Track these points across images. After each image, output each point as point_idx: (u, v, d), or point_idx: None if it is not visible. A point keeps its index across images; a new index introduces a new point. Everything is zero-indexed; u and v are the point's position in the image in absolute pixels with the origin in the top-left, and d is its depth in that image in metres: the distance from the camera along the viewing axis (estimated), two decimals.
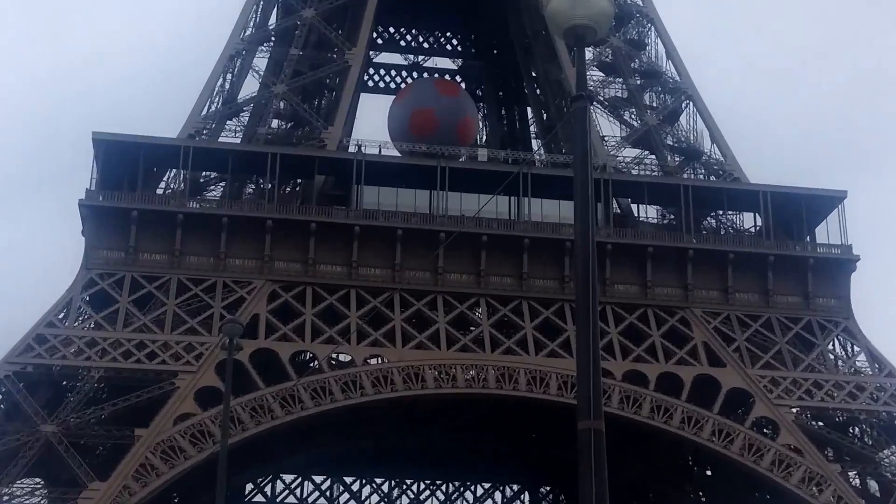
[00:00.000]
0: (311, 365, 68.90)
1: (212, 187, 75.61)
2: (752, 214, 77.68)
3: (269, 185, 72.42)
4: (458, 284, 71.13)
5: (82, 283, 66.84)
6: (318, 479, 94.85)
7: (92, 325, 65.94)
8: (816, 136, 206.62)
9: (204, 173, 74.96)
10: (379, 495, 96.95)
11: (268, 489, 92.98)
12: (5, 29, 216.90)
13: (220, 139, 75.72)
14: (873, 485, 68.93)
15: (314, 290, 68.76)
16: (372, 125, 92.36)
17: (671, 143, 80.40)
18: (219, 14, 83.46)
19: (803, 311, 72.93)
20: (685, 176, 78.28)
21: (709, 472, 77.16)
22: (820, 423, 69.44)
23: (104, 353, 63.37)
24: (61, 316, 65.51)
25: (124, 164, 70.33)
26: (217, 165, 74.20)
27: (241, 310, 65.04)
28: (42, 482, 62.52)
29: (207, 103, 76.19)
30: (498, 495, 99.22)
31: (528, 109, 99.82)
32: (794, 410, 68.54)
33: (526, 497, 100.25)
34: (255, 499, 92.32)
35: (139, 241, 68.23)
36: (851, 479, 67.90)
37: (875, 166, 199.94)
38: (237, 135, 77.03)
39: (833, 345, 73.08)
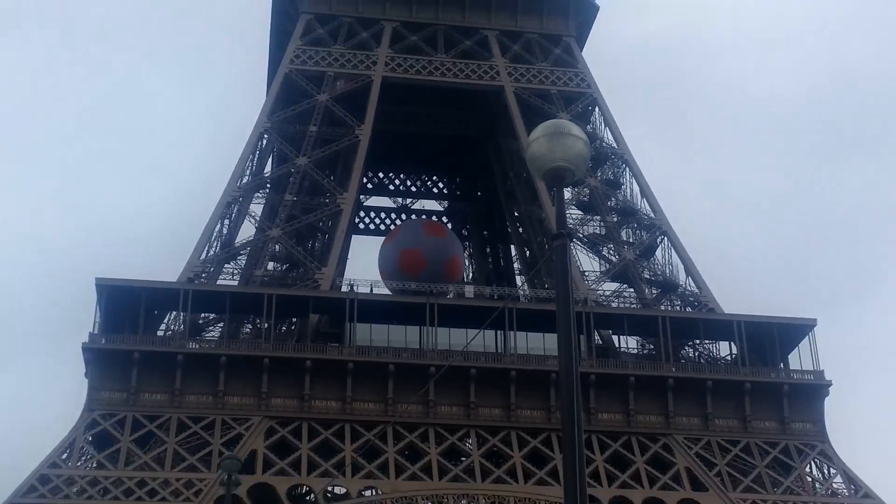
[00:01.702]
0: (308, 498, 68.14)
1: (210, 327, 75.77)
2: (727, 343, 77.79)
3: (266, 325, 72.93)
4: (449, 416, 70.84)
5: (85, 423, 66.44)
6: None
7: (94, 465, 65.30)
8: (787, 267, 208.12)
9: (203, 314, 75.21)
10: None
11: None
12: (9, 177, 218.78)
13: (219, 282, 76.35)
14: None
15: (310, 425, 68.43)
16: (363, 265, 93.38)
17: (648, 277, 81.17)
18: (216, 164, 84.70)
19: (780, 435, 72.82)
20: (662, 308, 78.97)
21: None
22: None
23: (106, 491, 62.74)
24: (65, 456, 64.82)
25: (126, 307, 70.61)
26: (215, 307, 74.64)
27: (239, 446, 64.62)
28: None
29: (206, 247, 76.99)
30: None
31: (512, 247, 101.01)
32: None
33: None
34: None
35: (140, 382, 68.09)
36: None
37: (844, 295, 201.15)
38: (234, 277, 77.72)
39: (810, 467, 72.74)
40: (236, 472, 49.40)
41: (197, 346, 71.97)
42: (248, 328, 75.65)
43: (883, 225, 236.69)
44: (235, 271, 78.22)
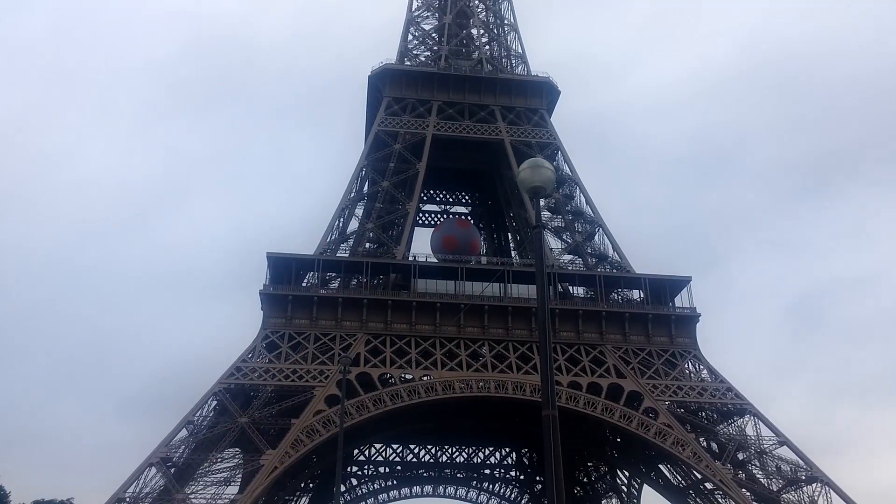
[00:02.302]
0: (390, 381, 69.36)
1: (332, 282, 76.74)
2: (638, 290, 78.03)
3: (364, 280, 74.02)
4: (472, 334, 71.48)
5: (261, 338, 68.27)
6: (395, 445, 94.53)
7: (267, 361, 66.82)
8: (674, 244, 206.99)
9: (328, 274, 76.37)
10: (429, 454, 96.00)
11: (365, 452, 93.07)
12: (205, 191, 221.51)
13: (338, 255, 77.34)
14: (714, 445, 68.83)
15: (391, 338, 69.70)
16: (421, 245, 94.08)
17: (590, 252, 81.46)
18: (336, 187, 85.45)
19: (669, 346, 73.16)
20: (599, 270, 79.16)
21: (618, 440, 76.52)
22: (682, 410, 69.21)
23: (273, 376, 64.71)
24: (250, 356, 66.70)
25: (284, 269, 72.13)
26: (335, 269, 75.99)
27: (350, 350, 66.47)
28: (239, 450, 62.83)
29: (329, 235, 78.11)
30: (497, 455, 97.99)
31: (509, 234, 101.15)
32: (666, 403, 68.37)
33: (513, 455, 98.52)
34: (358, 458, 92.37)
35: (293, 313, 69.71)
36: (701, 443, 67.88)
37: (717, 257, 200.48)
38: (346, 252, 78.66)
39: (687, 365, 73.08)
40: (349, 365, 51.23)
41: (325, 292, 73.01)
42: (354, 282, 76.64)
43: (740, 219, 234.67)
44: (346, 249, 79.26)
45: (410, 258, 78.97)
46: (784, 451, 65.91)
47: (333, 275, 76.09)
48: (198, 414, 61.88)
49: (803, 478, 64.00)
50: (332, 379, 63.84)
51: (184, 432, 60.52)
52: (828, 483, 62.92)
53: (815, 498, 62.59)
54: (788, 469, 64.92)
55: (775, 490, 64.15)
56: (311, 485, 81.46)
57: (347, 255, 77.26)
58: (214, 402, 63.32)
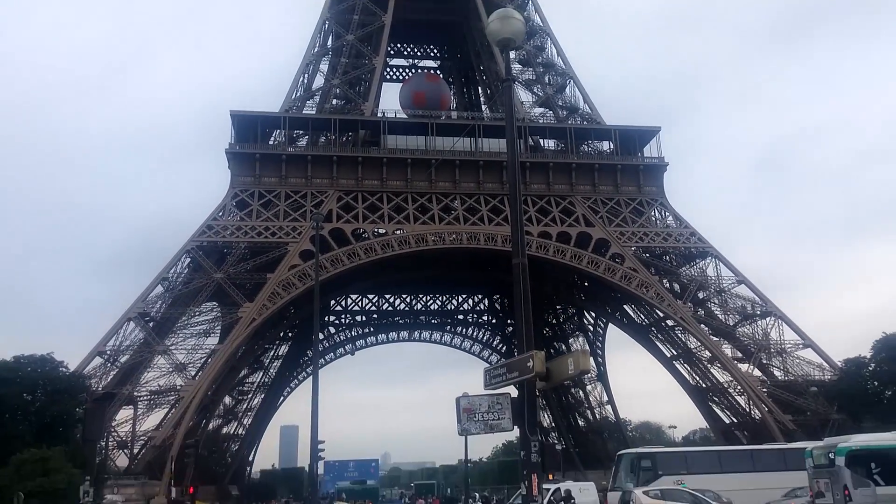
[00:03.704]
0: (363, 236, 69.62)
1: (300, 140, 75.47)
2: (608, 142, 77.67)
3: (333, 137, 72.53)
4: (444, 188, 71.22)
5: (230, 196, 67.44)
6: (370, 296, 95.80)
7: (238, 218, 66.36)
8: (648, 93, 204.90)
9: (295, 132, 74.83)
10: (404, 303, 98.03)
11: (342, 302, 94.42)
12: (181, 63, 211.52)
13: (304, 112, 75.40)
14: (676, 286, 71.06)
15: (362, 194, 69.25)
16: (390, 101, 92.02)
17: (561, 104, 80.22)
18: (299, 42, 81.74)
19: (637, 195, 73.66)
20: (570, 122, 78.32)
21: (586, 284, 78.66)
22: (647, 255, 70.73)
23: (246, 233, 64.60)
24: (221, 214, 66.32)
25: (249, 128, 70.34)
26: (303, 127, 74.33)
27: (322, 207, 66.01)
28: (216, 304, 63.76)
29: (294, 91, 75.83)
30: (470, 301, 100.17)
31: (479, 88, 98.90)
32: (632, 249, 69.83)
33: (486, 301, 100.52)
34: (335, 308, 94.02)
35: (261, 171, 68.61)
36: (664, 284, 70.07)
37: (686, 110, 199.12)
38: (313, 109, 76.66)
39: (654, 213, 73.90)
40: (321, 221, 50.97)
41: (293, 149, 71.91)
42: (322, 139, 75.18)
43: (709, 72, 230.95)
44: (313, 106, 77.17)
45: (379, 114, 77.27)
46: (742, 290, 68.68)
47: (301, 132, 74.67)
48: (172, 271, 62.25)
49: (758, 312, 66.98)
50: (304, 235, 63.89)
51: (159, 288, 61.15)
52: (780, 317, 65.99)
53: (769, 330, 65.82)
54: (744, 305, 67.69)
55: (731, 325, 67.25)
56: (289, 334, 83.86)
57: (314, 113, 75.20)
58: (188, 260, 63.62)
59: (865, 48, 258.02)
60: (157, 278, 60.74)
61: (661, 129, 77.07)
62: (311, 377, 51.71)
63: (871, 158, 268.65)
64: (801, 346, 65.18)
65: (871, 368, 57.19)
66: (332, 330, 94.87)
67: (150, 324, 59.31)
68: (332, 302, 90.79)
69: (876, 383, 56.87)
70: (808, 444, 39.79)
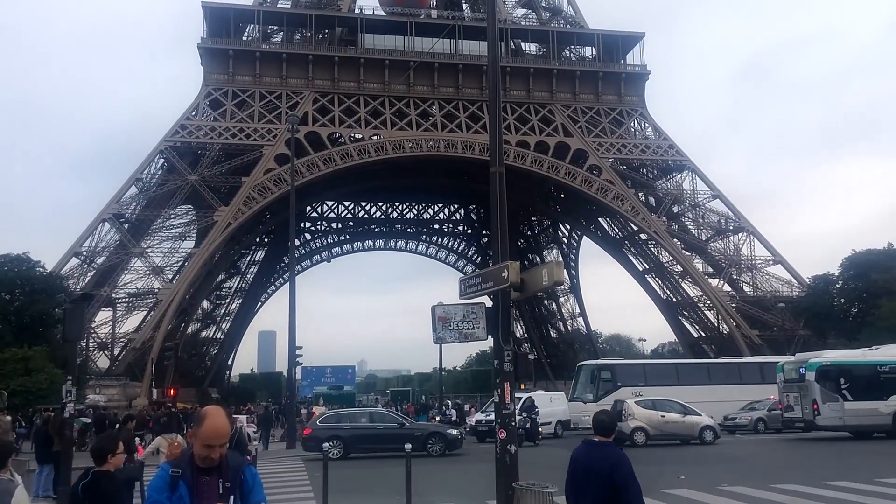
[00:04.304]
0: (339, 140, 68.32)
1: (275, 36, 72.49)
2: (590, 48, 75.72)
3: (309, 34, 69.75)
4: (422, 93, 69.66)
5: (203, 94, 65.36)
6: (346, 203, 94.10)
7: (212, 119, 64.71)
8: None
9: (269, 27, 71.85)
10: (380, 211, 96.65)
11: (318, 208, 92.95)
12: None
13: (279, 6, 72.02)
14: (651, 200, 71.31)
15: (339, 97, 67.61)
16: None
17: (544, 5, 77.57)
18: None
19: (618, 104, 72.79)
20: (552, 26, 75.95)
21: (562, 196, 78.47)
22: (624, 167, 70.62)
23: (220, 134, 63.09)
24: (193, 114, 64.39)
25: (222, 22, 67.30)
26: (278, 22, 71.29)
27: (297, 109, 64.16)
28: (192, 207, 63.02)
29: None
30: (446, 210, 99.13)
31: None
32: (610, 160, 69.53)
33: (462, 211, 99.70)
34: (311, 214, 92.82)
35: (235, 69, 66.30)
36: (640, 197, 70.14)
37: (673, 17, 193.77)
38: (288, 3, 73.12)
39: (633, 123, 73.27)
40: (296, 124, 49.59)
41: (267, 46, 69.31)
42: (298, 36, 72.25)
43: None
44: (287, 1, 73.55)
45: (357, 11, 74.09)
46: (717, 205, 69.24)
47: (276, 28, 71.75)
48: (145, 171, 60.83)
49: (731, 228, 67.86)
50: (280, 138, 62.48)
51: (133, 189, 59.99)
52: (752, 232, 66.99)
53: (740, 246, 66.95)
54: (718, 220, 68.46)
55: (704, 240, 68.19)
56: (265, 239, 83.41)
57: (290, 7, 71.94)
58: (162, 160, 62.20)
59: None
60: (131, 179, 59.43)
61: (645, 35, 75.17)
62: (287, 283, 51.74)
63: (853, 72, 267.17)
64: (771, 262, 66.56)
65: (838, 286, 58.34)
66: (308, 237, 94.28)
67: (126, 225, 58.42)
68: (308, 208, 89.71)
69: (843, 300, 58.09)
70: (759, 360, 41.43)
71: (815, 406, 26.82)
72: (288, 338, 31.23)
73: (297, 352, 32.77)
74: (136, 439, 15.19)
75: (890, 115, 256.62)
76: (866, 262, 54.94)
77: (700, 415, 28.28)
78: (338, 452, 22.60)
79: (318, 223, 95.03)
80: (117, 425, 23.49)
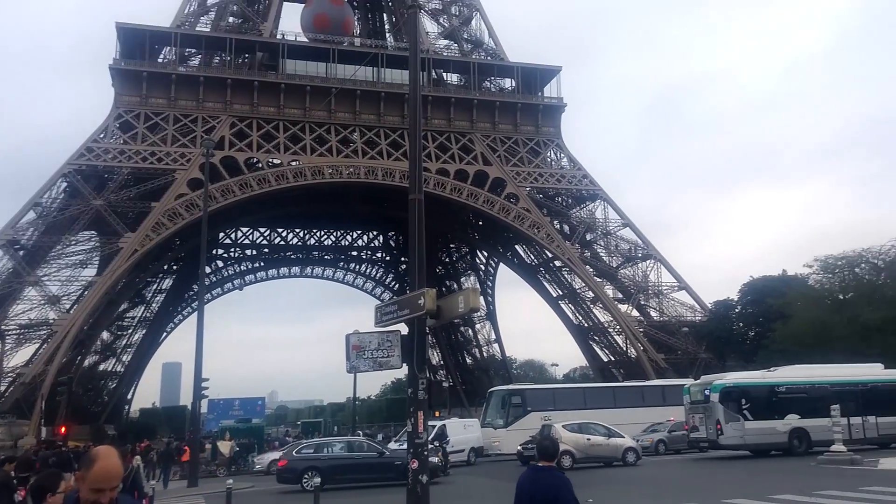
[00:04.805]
0: (257, 165, 67.29)
1: (192, 60, 71.09)
2: (510, 79, 77.31)
3: (228, 58, 68.83)
4: (343, 119, 69.65)
5: (113, 116, 63.33)
6: (262, 229, 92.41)
7: (122, 142, 62.48)
8: (551, 33, 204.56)
9: (187, 50, 70.51)
10: (297, 238, 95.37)
11: (231, 235, 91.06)
12: None
13: (197, 29, 70.85)
14: (566, 228, 73.09)
15: (258, 122, 66.80)
16: (290, 23, 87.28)
17: (466, 37, 79.10)
18: None
19: (535, 135, 74.47)
20: (474, 57, 77.41)
21: (480, 223, 79.32)
22: (540, 196, 71.81)
23: (130, 157, 61.04)
24: (102, 136, 62.18)
25: (136, 43, 65.75)
26: (196, 45, 70.09)
27: (214, 133, 63.19)
28: (95, 233, 60.54)
29: (188, 6, 71.08)
30: (365, 238, 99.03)
31: (385, 15, 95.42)
32: (527, 189, 70.88)
33: (380, 238, 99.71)
34: (224, 241, 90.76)
35: (148, 91, 64.57)
36: (555, 225, 71.83)
37: (587, 53, 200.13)
38: (207, 26, 72.15)
39: (550, 153, 74.91)
40: (212, 148, 48.50)
41: (184, 69, 67.83)
42: (216, 60, 71.18)
43: (613, 14, 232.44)
44: (207, 24, 72.65)
45: (279, 36, 73.66)
46: (627, 233, 71.81)
47: (193, 51, 70.65)
48: (46, 196, 58.21)
49: (640, 255, 70.29)
50: (194, 162, 61.01)
51: (31, 214, 57.23)
52: (659, 259, 69.60)
53: (648, 272, 69.38)
54: (628, 248, 70.77)
55: (615, 266, 70.29)
56: (174, 267, 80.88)
57: (209, 30, 71.02)
58: (64, 184, 59.70)
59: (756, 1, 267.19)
60: (29, 203, 56.61)
61: (562, 69, 77.50)
62: (196, 312, 50.26)
63: (754, 107, 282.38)
64: (676, 288, 69.19)
65: (737, 311, 61.42)
66: (221, 264, 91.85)
67: (21, 252, 55.41)
68: (221, 234, 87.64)
69: (741, 324, 61.14)
70: (662, 383, 43.00)
71: (719, 426, 27.86)
72: (194, 369, 30.35)
73: (204, 384, 31.87)
74: (17, 483, 14.35)
75: (786, 150, 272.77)
76: (763, 288, 57.84)
77: (623, 437, 29.03)
78: (315, 483, 21.81)
79: (231, 250, 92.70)
80: None
